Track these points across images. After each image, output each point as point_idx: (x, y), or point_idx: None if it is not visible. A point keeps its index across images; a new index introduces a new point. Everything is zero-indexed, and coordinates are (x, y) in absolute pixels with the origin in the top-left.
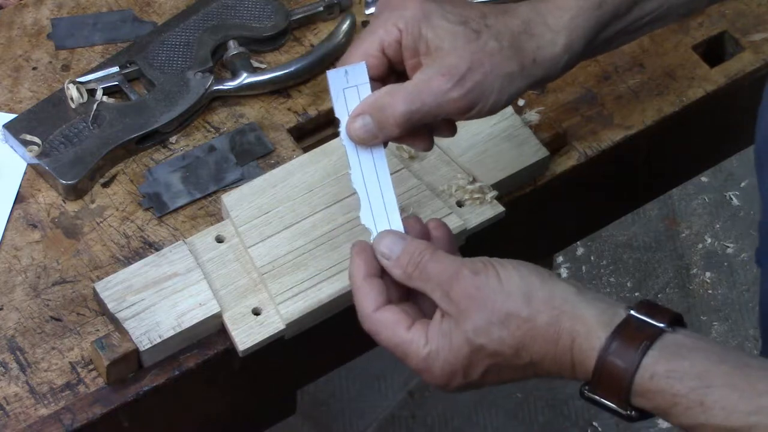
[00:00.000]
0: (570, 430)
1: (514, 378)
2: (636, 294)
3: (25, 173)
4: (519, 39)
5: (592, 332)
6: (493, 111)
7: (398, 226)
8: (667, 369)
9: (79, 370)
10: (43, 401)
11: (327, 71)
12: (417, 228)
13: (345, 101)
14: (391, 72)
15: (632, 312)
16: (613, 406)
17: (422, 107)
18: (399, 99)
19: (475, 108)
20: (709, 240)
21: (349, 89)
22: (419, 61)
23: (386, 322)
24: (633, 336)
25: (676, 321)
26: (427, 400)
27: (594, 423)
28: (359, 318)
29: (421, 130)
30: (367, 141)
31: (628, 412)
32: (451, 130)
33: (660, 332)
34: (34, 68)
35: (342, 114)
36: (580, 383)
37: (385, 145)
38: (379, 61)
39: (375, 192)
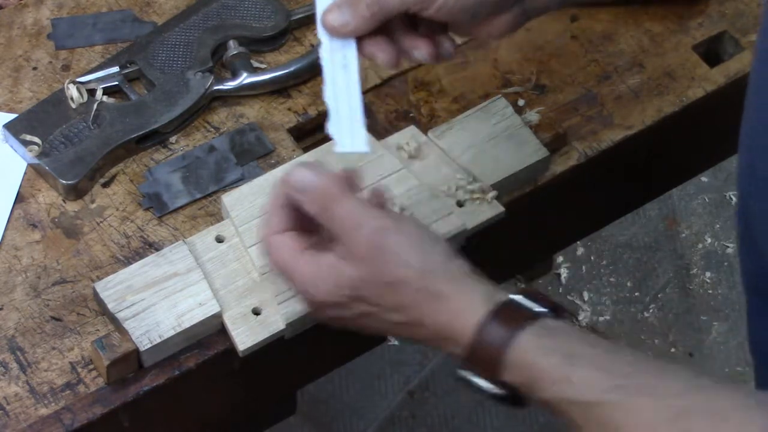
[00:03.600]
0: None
1: (390, 331)
2: (636, 294)
3: (25, 173)
4: None
5: (476, 308)
6: (454, 9)
7: (360, 139)
8: (539, 345)
9: (79, 370)
10: (43, 401)
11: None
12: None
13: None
14: None
15: (515, 296)
16: (485, 383)
17: None
18: None
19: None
20: (709, 240)
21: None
22: None
23: (279, 244)
24: (512, 316)
25: (558, 310)
26: (427, 400)
27: None
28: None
29: (387, 40)
30: (341, 28)
31: (499, 390)
32: (428, 49)
33: (539, 315)
34: (34, 68)
35: (323, 35)
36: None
37: (360, 49)
38: None
39: (344, 106)
